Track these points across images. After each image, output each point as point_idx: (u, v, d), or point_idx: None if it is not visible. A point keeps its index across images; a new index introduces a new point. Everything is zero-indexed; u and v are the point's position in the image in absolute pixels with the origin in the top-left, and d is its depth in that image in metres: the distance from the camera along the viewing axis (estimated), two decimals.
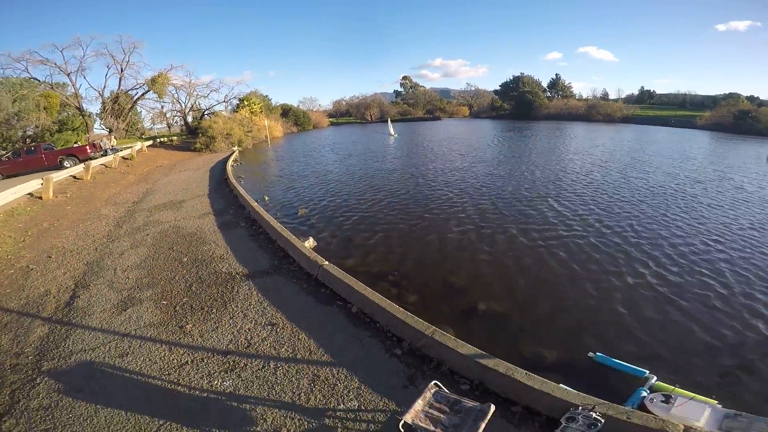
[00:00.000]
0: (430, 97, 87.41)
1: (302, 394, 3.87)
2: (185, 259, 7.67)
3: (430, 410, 3.30)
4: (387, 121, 42.36)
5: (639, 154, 22.94)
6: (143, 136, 42.03)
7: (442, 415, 3.24)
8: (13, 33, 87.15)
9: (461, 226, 9.80)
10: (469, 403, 3.33)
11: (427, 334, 4.45)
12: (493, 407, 3.20)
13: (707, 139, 34.92)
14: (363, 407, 3.69)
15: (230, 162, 22.95)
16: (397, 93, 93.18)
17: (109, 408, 3.82)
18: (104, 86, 37.03)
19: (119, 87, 37.38)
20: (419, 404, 3.31)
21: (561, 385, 3.72)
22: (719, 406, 3.70)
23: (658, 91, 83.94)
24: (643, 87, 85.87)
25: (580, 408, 3.28)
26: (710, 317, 5.64)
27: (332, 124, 72.18)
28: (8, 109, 27.87)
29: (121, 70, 36.47)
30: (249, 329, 5.01)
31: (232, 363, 4.38)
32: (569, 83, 78.39)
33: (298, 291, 5.97)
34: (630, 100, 78.76)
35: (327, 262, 6.38)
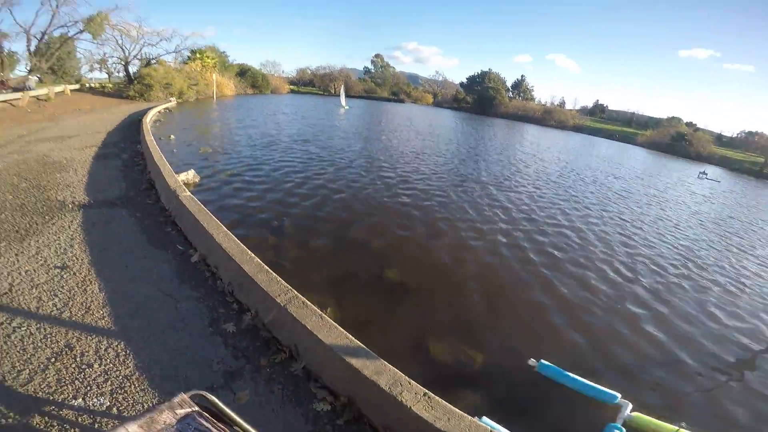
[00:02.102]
0: (398, 79, 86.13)
1: (26, 371, 2.56)
2: (23, 185, 6.17)
3: None
4: (343, 93, 40.49)
5: (570, 159, 23.66)
6: (79, 83, 36.91)
7: None
8: None
9: (371, 184, 9.02)
10: None
11: (278, 302, 3.03)
12: None
13: (643, 155, 37.21)
14: (112, 410, 2.33)
15: (159, 108, 20.51)
16: (366, 70, 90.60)
17: None
18: (32, 23, 31.39)
19: (50, 24, 31.98)
20: None
21: (484, 419, 2.42)
22: None
23: (610, 107, 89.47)
24: (597, 100, 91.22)
25: None
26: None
27: (292, 91, 68.68)
28: None
29: (56, 6, 30.99)
30: (27, 271, 3.76)
31: None
32: (532, 86, 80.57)
33: (132, 228, 4.81)
34: (584, 111, 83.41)
35: (187, 193, 5.24)
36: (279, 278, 3.44)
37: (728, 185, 23.38)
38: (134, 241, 4.50)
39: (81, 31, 33.51)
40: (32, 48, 32.11)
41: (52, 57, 33.90)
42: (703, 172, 24.73)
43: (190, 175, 7.08)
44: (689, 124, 74.14)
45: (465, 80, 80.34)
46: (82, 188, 6.09)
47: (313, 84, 78.38)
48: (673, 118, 75.37)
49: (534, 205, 9.18)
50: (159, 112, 19.76)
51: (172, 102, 27.86)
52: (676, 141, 52.54)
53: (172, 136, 11.75)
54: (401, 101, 74.22)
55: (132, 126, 13.65)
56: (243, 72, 53.90)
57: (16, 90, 20.81)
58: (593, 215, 9.26)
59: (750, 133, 73.70)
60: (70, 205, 5.36)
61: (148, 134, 9.49)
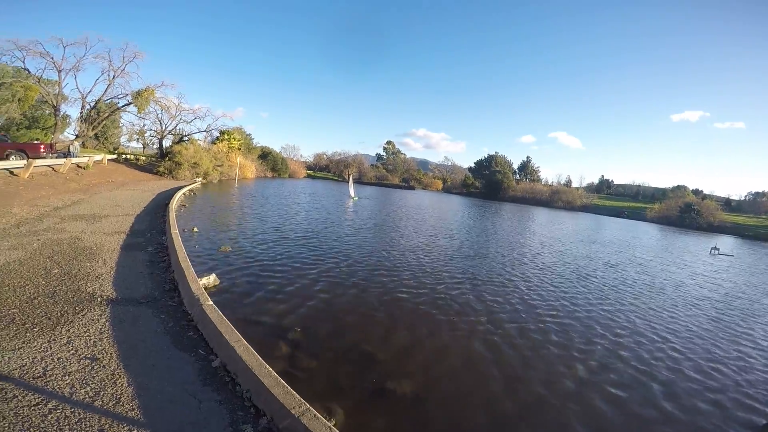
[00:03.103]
0: (408, 165, 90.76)
1: None
2: (55, 271, 6.57)
3: None
4: (353, 181, 40.38)
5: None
6: (116, 151, 39.74)
7: None
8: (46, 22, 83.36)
9: (390, 291, 9.12)
10: None
11: (293, 413, 3.43)
12: None
13: (653, 233, 36.82)
14: None
15: (184, 190, 21.98)
16: (378, 156, 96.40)
17: None
18: (90, 90, 34.38)
19: (104, 93, 34.69)
20: None
21: None
22: None
23: (615, 181, 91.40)
24: (603, 176, 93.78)
25: None
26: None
27: (309, 176, 72.67)
28: None
29: (113, 77, 33.95)
30: (60, 358, 3.99)
31: None
32: (538, 167, 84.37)
33: (158, 329, 4.99)
34: (590, 188, 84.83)
35: (210, 302, 5.50)
36: (293, 392, 3.73)
37: (742, 258, 22.87)
38: (159, 342, 4.68)
39: (129, 103, 36.01)
40: (84, 114, 34.49)
41: (99, 125, 36.39)
42: (715, 248, 24.02)
43: (211, 280, 7.34)
44: (696, 192, 73.55)
45: (473, 164, 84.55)
46: (110, 281, 6.40)
47: (328, 169, 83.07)
48: (678, 187, 75.15)
49: (534, 302, 9.22)
50: (184, 195, 21.11)
51: (197, 183, 29.64)
52: (685, 212, 52.29)
53: (196, 229, 12.38)
54: (411, 188, 77.14)
55: (159, 210, 14.50)
56: (265, 155, 57.65)
57: (60, 155, 22.52)
58: (593, 310, 9.22)
59: (757, 194, 73.39)
60: (99, 299, 5.62)
61: (174, 227, 10.07)
